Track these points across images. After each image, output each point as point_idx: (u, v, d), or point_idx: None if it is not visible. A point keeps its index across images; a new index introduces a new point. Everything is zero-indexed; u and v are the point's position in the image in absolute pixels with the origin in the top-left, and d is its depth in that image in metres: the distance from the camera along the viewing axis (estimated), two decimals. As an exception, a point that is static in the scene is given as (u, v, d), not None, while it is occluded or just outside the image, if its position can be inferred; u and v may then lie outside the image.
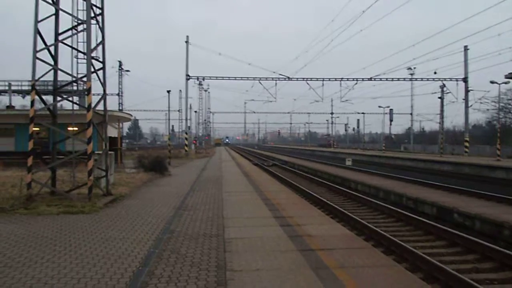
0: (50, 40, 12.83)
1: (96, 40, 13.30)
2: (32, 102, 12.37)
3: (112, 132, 32.64)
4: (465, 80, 43.18)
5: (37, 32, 12.23)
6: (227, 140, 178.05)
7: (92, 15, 12.92)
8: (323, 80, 47.52)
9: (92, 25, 12.75)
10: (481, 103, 48.14)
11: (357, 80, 47.09)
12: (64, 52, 13.20)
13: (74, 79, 13.30)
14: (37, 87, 12.52)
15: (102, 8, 13.60)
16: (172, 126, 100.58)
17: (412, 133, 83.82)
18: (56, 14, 12.94)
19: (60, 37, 13.15)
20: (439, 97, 47.28)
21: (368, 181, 20.46)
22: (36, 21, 12.21)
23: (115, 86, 65.28)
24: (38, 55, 12.26)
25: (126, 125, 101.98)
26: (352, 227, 11.34)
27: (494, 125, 53.05)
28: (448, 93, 46.21)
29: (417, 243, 9.75)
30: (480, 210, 11.91)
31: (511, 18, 24.88)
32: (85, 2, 12.73)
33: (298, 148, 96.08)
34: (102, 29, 13.60)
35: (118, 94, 64.37)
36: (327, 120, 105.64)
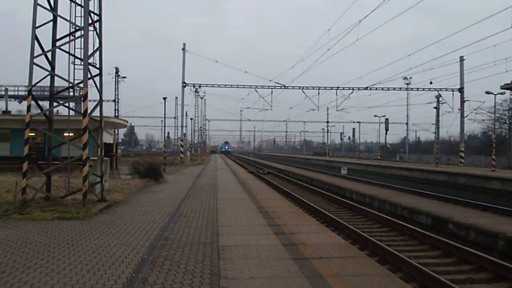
0: (47, 46, 12.86)
1: (93, 46, 13.35)
2: (29, 107, 12.35)
3: (107, 138, 32.69)
4: (460, 90, 43.47)
5: (35, 37, 12.26)
6: (226, 147, 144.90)
7: (90, 21, 12.96)
8: (319, 89, 47.78)
9: (89, 32, 12.80)
10: (476, 113, 48.71)
11: (353, 89, 47.37)
12: (61, 58, 13.25)
13: (70, 85, 13.32)
14: (34, 93, 12.51)
15: (100, 15, 13.65)
16: (168, 133, 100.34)
17: (407, 142, 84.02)
18: (54, 20, 12.95)
19: (58, 43, 13.16)
20: (434, 107, 47.62)
21: (363, 190, 20.47)
22: (34, 27, 12.23)
23: (112, 92, 65.24)
24: (35, 60, 12.26)
25: (122, 132, 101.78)
26: (346, 236, 11.34)
27: (490, 135, 53.29)
28: (443, 103, 46.60)
29: (412, 253, 9.76)
30: (475, 220, 11.93)
31: (507, 29, 24.93)
32: (83, 9, 12.80)
33: (293, 157, 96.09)
34: (99, 36, 13.63)
35: (114, 101, 64.30)
36: (322, 129, 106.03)
